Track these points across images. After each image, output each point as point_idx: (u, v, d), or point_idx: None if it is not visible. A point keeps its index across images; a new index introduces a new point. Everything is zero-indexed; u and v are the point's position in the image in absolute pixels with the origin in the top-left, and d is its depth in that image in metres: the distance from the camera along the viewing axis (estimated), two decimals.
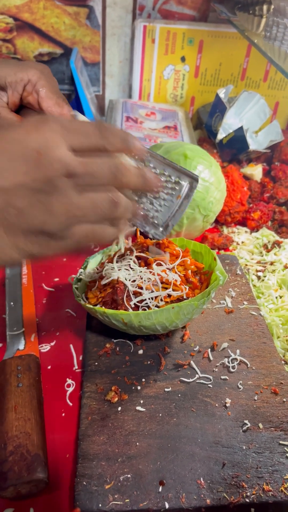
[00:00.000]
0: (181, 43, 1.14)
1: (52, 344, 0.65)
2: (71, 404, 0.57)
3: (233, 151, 1.04)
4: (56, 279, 0.77)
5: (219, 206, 0.82)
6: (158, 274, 0.55)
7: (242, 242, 0.88)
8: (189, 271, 0.58)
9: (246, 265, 0.80)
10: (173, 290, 0.55)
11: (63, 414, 0.55)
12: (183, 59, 1.17)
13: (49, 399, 0.57)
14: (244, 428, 0.50)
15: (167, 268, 0.57)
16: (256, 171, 1.00)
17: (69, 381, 0.59)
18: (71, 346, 0.64)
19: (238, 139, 1.00)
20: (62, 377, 0.60)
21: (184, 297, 0.55)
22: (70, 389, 0.58)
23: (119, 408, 0.52)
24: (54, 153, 0.35)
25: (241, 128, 0.98)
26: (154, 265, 0.56)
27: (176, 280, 0.55)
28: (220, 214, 0.90)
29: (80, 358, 0.62)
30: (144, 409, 0.52)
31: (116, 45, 1.17)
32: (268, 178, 1.01)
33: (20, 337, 0.63)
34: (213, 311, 0.66)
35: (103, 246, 0.69)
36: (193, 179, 0.48)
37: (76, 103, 1.14)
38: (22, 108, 0.57)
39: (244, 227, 0.93)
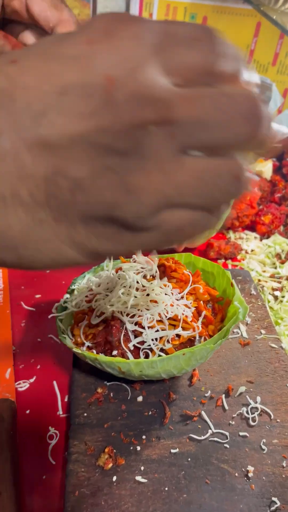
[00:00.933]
0: (182, 18, 1.01)
1: (32, 381, 0.53)
2: (54, 462, 0.46)
3: None
4: (38, 296, 0.65)
5: (229, 209, 0.71)
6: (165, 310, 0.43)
7: (252, 251, 0.78)
8: (201, 302, 0.47)
9: (259, 280, 0.69)
10: (183, 328, 0.44)
11: (44, 477, 0.45)
12: None
13: (26, 456, 0.46)
14: (273, 508, 0.40)
15: (175, 299, 0.45)
16: (265, 167, 0.89)
17: (52, 430, 0.48)
18: (55, 383, 0.53)
19: None
20: (43, 425, 0.49)
21: (197, 337, 0.44)
22: (53, 442, 0.47)
23: (114, 478, 0.42)
24: (138, 80, 0.19)
25: None
26: (158, 295, 0.45)
27: (186, 316, 0.44)
28: (227, 217, 0.78)
29: (66, 399, 0.51)
30: (145, 480, 0.41)
31: None
32: (279, 176, 0.90)
33: None
34: (226, 343, 0.55)
35: (94, 265, 0.57)
36: None
37: None
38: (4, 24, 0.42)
39: (253, 232, 0.82)
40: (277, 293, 0.66)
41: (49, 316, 0.50)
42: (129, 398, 0.48)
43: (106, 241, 0.23)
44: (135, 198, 0.21)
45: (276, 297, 0.65)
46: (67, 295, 0.52)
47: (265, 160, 0.92)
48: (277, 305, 0.63)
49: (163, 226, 0.23)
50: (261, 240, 0.81)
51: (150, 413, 0.47)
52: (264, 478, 0.42)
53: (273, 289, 0.67)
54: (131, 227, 0.22)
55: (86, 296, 0.49)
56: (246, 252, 0.77)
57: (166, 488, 0.41)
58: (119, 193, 0.21)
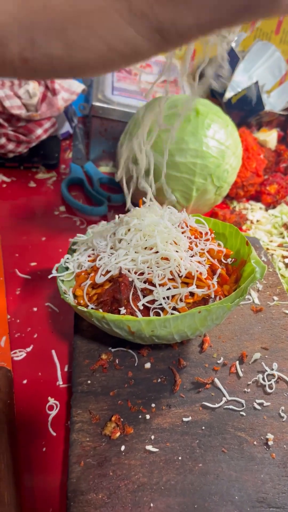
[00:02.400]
0: None
1: (29, 349, 0.49)
2: (54, 433, 0.42)
3: (242, 113, 0.88)
4: (33, 264, 0.61)
5: (234, 175, 0.67)
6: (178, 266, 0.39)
7: (258, 221, 0.74)
8: (215, 260, 0.43)
9: (268, 249, 0.66)
10: (197, 286, 0.40)
11: (44, 449, 0.41)
12: None
13: (24, 428, 0.42)
14: None
15: (189, 256, 0.42)
16: (270, 137, 0.85)
17: (51, 401, 0.45)
18: (53, 352, 0.49)
19: (250, 98, 0.84)
20: (42, 395, 0.45)
21: (212, 295, 0.41)
22: (53, 413, 0.44)
23: (123, 448, 0.38)
24: None
25: (255, 84, 0.82)
26: (168, 251, 0.41)
27: (201, 273, 0.40)
28: (231, 186, 0.75)
29: (66, 369, 0.47)
30: (157, 449, 0.38)
31: None
32: (284, 146, 0.86)
33: None
34: (237, 309, 0.52)
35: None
36: None
37: None
38: None
39: (258, 202, 0.79)
40: (287, 260, 0.62)
41: (49, 276, 0.45)
42: (136, 364, 0.45)
43: (171, 5, 0.18)
44: None
45: (287, 265, 0.62)
46: (68, 256, 0.47)
47: (270, 129, 0.89)
48: None
49: None
50: (266, 210, 0.77)
51: (159, 380, 0.44)
52: (285, 446, 0.39)
53: (283, 257, 0.63)
54: None
55: (89, 256, 0.45)
56: (252, 222, 0.74)
57: (180, 458, 0.37)
58: None
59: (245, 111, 0.88)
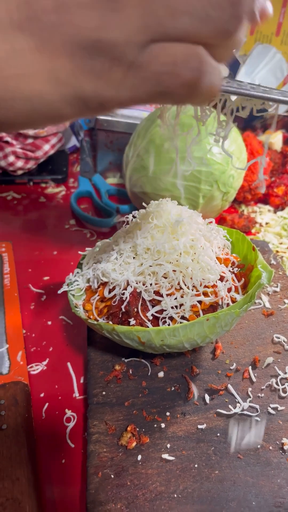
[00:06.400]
0: None
1: (45, 363, 0.50)
2: (73, 445, 0.43)
3: (246, 116, 0.88)
4: (46, 278, 0.62)
5: (240, 180, 0.68)
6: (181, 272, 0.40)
7: (267, 223, 0.74)
8: (224, 266, 0.44)
9: (277, 251, 0.66)
10: (204, 294, 0.41)
11: (63, 461, 0.42)
12: None
13: (43, 441, 0.43)
14: None
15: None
16: (275, 138, 0.85)
17: (68, 413, 0.45)
18: (69, 365, 0.50)
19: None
20: (59, 408, 0.46)
21: (220, 303, 0.41)
22: (71, 425, 0.44)
23: (139, 457, 0.39)
24: None
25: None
26: (177, 261, 0.41)
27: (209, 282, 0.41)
28: (238, 190, 0.75)
29: (81, 381, 0.48)
30: (173, 458, 0.38)
31: None
32: None
33: (2, 357, 0.49)
34: (247, 314, 0.52)
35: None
36: None
37: None
38: None
39: (266, 205, 0.79)
40: None
41: (59, 291, 0.47)
42: (149, 374, 0.45)
43: (94, 79, 0.20)
44: (123, 16, 0.19)
45: None
46: (77, 270, 0.48)
47: (275, 131, 0.89)
48: None
49: (153, 62, 0.20)
50: (275, 212, 0.77)
51: (172, 388, 0.44)
52: None
53: None
54: (120, 58, 0.19)
55: (95, 269, 0.46)
56: (261, 225, 0.74)
57: (196, 465, 0.38)
58: (106, 11, 0.19)
59: (249, 114, 0.88)
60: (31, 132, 0.76)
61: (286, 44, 1.05)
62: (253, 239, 0.67)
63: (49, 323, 0.55)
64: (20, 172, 0.79)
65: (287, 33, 1.04)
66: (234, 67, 0.87)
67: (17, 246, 0.67)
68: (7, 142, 0.76)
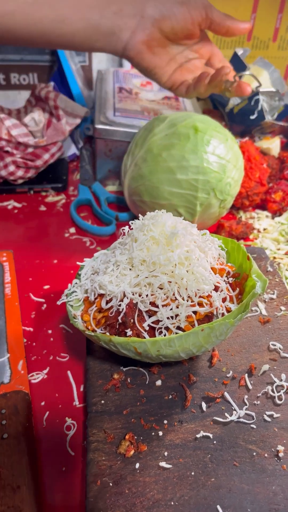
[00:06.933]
0: None
1: (45, 372, 0.51)
2: (73, 453, 0.44)
3: (245, 123, 0.89)
4: (46, 287, 0.63)
5: (237, 188, 0.69)
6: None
7: (264, 229, 0.75)
8: (219, 276, 0.45)
9: (274, 258, 0.67)
10: (199, 304, 0.41)
11: (64, 469, 0.43)
12: None
13: (44, 449, 0.44)
14: None
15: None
16: (273, 144, 0.86)
17: (69, 421, 0.46)
18: (69, 373, 0.51)
19: (252, 108, 0.85)
20: (60, 416, 0.47)
21: (214, 312, 0.42)
22: (71, 433, 0.45)
23: (137, 465, 0.39)
24: None
25: (256, 93, 0.83)
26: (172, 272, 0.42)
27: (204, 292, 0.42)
28: (236, 197, 0.76)
29: (82, 389, 0.49)
30: (170, 466, 0.39)
31: None
32: (287, 152, 0.87)
33: (4, 366, 0.50)
34: (244, 321, 0.53)
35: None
36: None
37: (60, 76, 0.99)
38: None
39: (264, 211, 0.79)
40: None
41: (58, 302, 0.47)
42: (147, 382, 0.46)
43: None
44: None
45: None
46: (76, 280, 0.49)
47: (272, 137, 0.90)
48: None
49: None
50: (273, 218, 0.78)
51: (170, 397, 0.45)
52: None
53: None
54: None
55: (92, 280, 0.47)
56: (259, 231, 0.75)
57: (193, 473, 0.39)
58: None
59: (248, 121, 0.89)
60: (31, 142, 0.77)
61: (284, 50, 1.06)
62: (250, 246, 0.68)
63: (50, 331, 0.56)
64: (20, 181, 0.80)
65: (284, 38, 1.04)
66: (240, 70, 0.87)
67: (18, 255, 0.68)
68: (7, 152, 0.77)
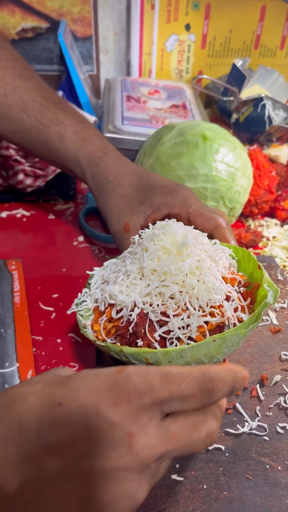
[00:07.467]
0: (185, 8, 0.98)
1: None
2: None
3: (252, 130, 0.89)
4: (55, 295, 0.63)
5: (246, 196, 0.69)
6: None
7: (274, 237, 0.74)
8: (230, 286, 0.44)
9: (284, 266, 0.66)
10: (211, 314, 0.41)
11: None
12: (187, 27, 1.01)
13: None
14: None
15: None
16: (281, 152, 0.86)
17: None
18: None
19: (257, 115, 0.85)
20: None
21: (226, 322, 0.42)
22: None
23: None
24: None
25: (260, 99, 0.83)
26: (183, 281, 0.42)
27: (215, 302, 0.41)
28: (245, 205, 0.75)
29: None
30: (182, 478, 0.39)
31: (110, 14, 1.02)
32: None
33: (13, 376, 0.50)
34: (255, 331, 0.52)
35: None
36: None
37: (68, 85, 0.99)
38: None
39: (273, 218, 0.79)
40: None
41: (68, 312, 0.47)
42: None
43: None
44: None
45: None
46: (86, 290, 0.49)
47: (281, 145, 0.89)
48: None
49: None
50: (282, 226, 0.78)
51: None
52: None
53: None
54: None
55: (103, 290, 0.46)
56: (268, 239, 0.74)
57: (205, 486, 0.38)
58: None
59: (255, 128, 0.88)
60: None
61: None
62: (260, 254, 0.68)
63: (59, 340, 0.56)
64: (29, 189, 0.81)
65: None
66: (240, 81, 0.88)
67: (27, 263, 0.68)
68: (16, 161, 0.77)
